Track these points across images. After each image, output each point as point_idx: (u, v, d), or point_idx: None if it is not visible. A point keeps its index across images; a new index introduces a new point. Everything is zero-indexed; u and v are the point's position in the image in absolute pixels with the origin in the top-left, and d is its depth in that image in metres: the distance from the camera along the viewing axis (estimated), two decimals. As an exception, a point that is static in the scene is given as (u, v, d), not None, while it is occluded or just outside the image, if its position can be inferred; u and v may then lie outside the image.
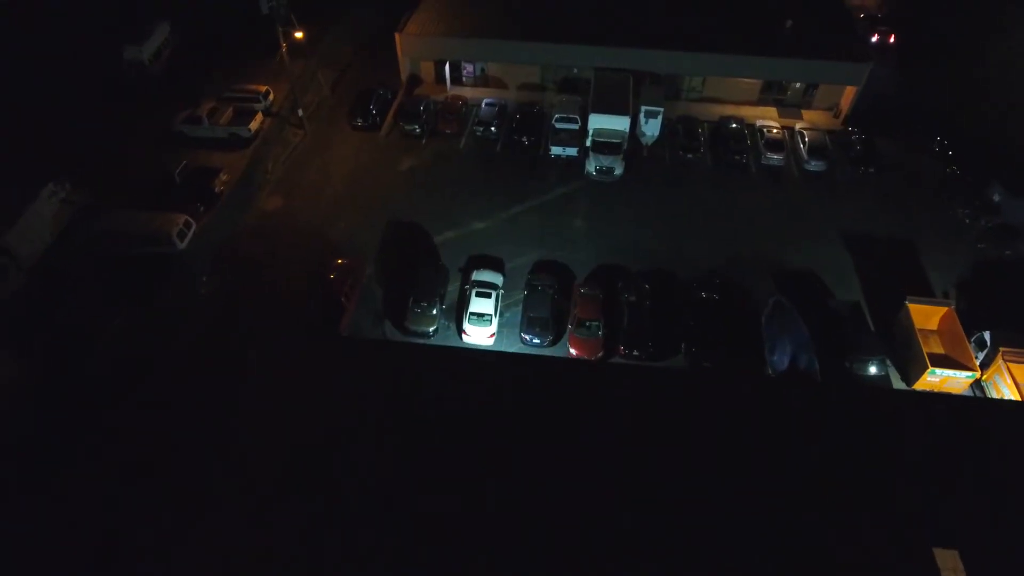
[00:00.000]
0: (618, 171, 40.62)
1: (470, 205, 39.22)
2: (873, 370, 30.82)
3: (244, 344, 24.78)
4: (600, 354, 31.41)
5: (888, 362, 31.55)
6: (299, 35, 39.62)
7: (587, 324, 31.82)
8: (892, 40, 54.18)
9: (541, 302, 32.67)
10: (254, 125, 41.12)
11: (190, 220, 34.75)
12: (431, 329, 31.95)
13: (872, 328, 32.62)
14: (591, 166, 40.73)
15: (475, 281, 33.30)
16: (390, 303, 33.76)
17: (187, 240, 34.26)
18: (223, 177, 37.99)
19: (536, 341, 31.91)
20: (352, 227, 37.61)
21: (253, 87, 43.02)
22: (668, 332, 32.67)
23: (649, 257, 36.48)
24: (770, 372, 30.97)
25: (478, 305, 32.07)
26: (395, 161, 42.29)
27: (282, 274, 34.51)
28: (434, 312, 32.22)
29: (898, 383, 31.24)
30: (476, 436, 22.17)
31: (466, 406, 23.05)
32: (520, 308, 33.48)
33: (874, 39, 53.63)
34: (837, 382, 30.42)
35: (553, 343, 32.24)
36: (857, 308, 33.58)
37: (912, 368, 31.01)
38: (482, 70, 48.25)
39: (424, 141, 43.90)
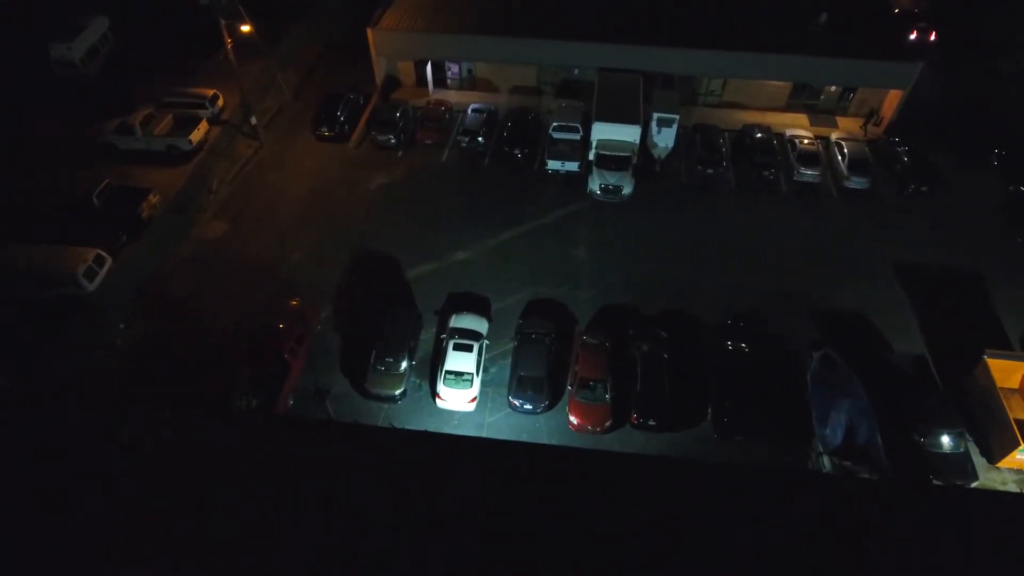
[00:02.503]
0: (626, 190, 34.45)
1: (451, 231, 33.06)
2: (949, 445, 24.58)
3: (118, 428, 18.56)
4: (608, 423, 25.23)
5: (967, 435, 25.34)
6: (246, 28, 33.43)
7: (591, 385, 25.65)
8: (933, 38, 48.08)
9: (535, 356, 26.46)
10: (196, 136, 34.94)
11: (103, 255, 28.49)
12: (397, 392, 25.72)
13: (941, 389, 26.45)
14: (595, 184, 34.58)
15: (454, 329, 27.11)
16: (350, 356, 27.54)
17: (99, 279, 27.99)
18: (152, 199, 31.76)
19: (528, 407, 25.69)
20: (309, 258, 31.41)
21: (198, 91, 36.83)
22: (690, 393, 26.50)
23: (665, 296, 30.28)
24: (820, 450, 24.76)
25: (456, 361, 25.88)
26: (365, 177, 36.12)
27: (218, 319, 28.32)
28: (402, 369, 26.01)
29: (977, 459, 25.05)
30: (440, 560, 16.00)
31: (430, 517, 16.92)
32: (509, 362, 27.35)
33: (912, 36, 47.53)
34: (906, 463, 24.24)
35: (549, 407, 26.04)
36: (922, 363, 27.41)
37: (996, 441, 24.86)
38: (469, 71, 42.11)
39: (400, 153, 37.77)
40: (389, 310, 27.69)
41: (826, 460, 24.60)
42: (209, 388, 25.61)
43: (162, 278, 29.70)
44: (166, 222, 31.10)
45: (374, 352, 26.17)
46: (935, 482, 23.98)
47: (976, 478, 24.02)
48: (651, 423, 25.30)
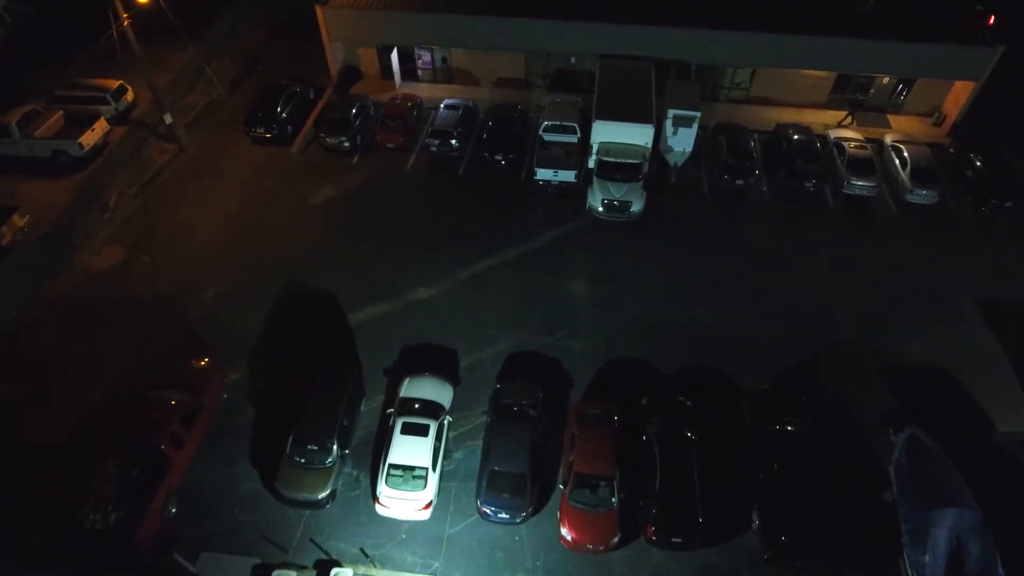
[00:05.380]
0: (636, 206, 27.27)
1: (412, 259, 25.90)
2: (1096, 574, 17.43)
3: None
4: (615, 539, 18.04)
5: (1119, 558, 18.17)
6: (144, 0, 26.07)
7: (592, 483, 18.47)
8: (991, 22, 40.91)
9: (514, 441, 19.24)
10: (89, 138, 27.72)
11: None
12: (321, 495, 18.47)
13: (1072, 483, 19.32)
14: (596, 199, 27.42)
15: (405, 401, 19.93)
16: (265, 436, 20.32)
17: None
18: (18, 220, 24.55)
19: (504, 515, 18.45)
20: (225, 297, 24.22)
21: (97, 82, 29.58)
22: (727, 492, 19.34)
23: (688, 347, 23.10)
24: (918, 585, 17.56)
25: (405, 450, 18.68)
26: (309, 189, 28.93)
27: (87, 388, 21.12)
28: (329, 461, 18.78)
29: None
30: None
31: None
32: (480, 443, 20.22)
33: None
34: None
35: (534, 513, 18.84)
36: (1039, 447, 20.28)
37: None
38: (444, 60, 34.96)
39: (356, 159, 30.60)
40: (317, 376, 20.44)
41: (925, 598, 17.44)
42: (50, 493, 18.40)
43: (25, 326, 22.47)
44: (35, 251, 23.82)
45: (291, 438, 18.94)
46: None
47: None
48: (675, 539, 18.07)
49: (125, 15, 24.78)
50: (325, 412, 19.38)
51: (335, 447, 18.87)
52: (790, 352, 23.04)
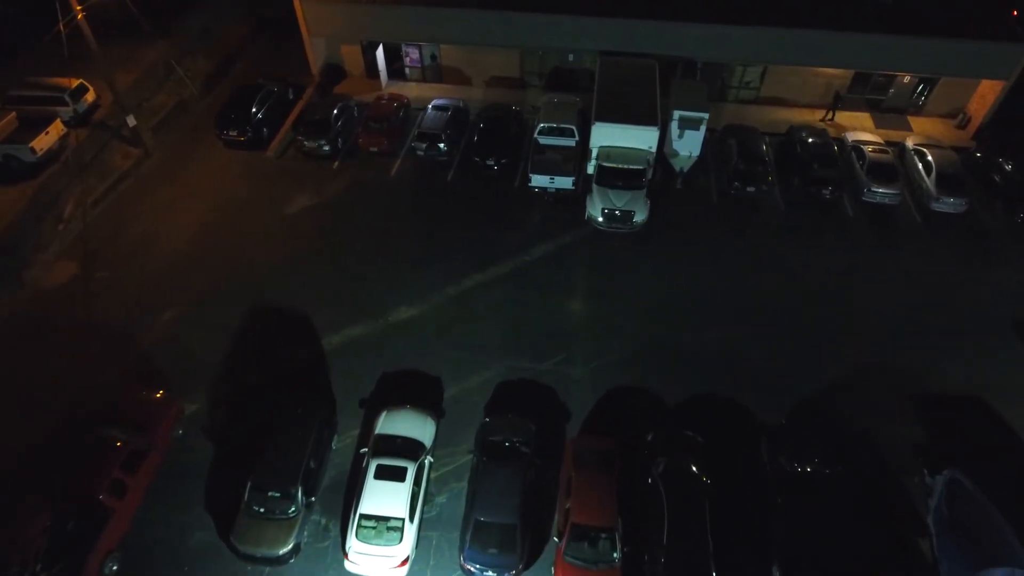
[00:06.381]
0: (639, 216, 25.03)
1: (394, 274, 23.68)
2: None
3: None
4: (616, 603, 15.84)
5: None
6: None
7: (591, 536, 16.24)
8: (1015, 15, 38.73)
9: (503, 485, 17.00)
10: (42, 142, 25.46)
11: None
12: (283, 550, 16.21)
13: None
14: (596, 208, 25.19)
15: (380, 438, 17.70)
16: (223, 479, 18.08)
17: None
18: (-43, 234, 22.37)
19: (491, 573, 16.20)
20: (186, 318, 21.98)
21: (54, 81, 27.32)
22: (741, 540, 17.11)
23: (698, 373, 20.87)
24: (966, 657, 15.33)
25: (378, 498, 16.44)
26: (284, 197, 26.71)
27: (35, 419, 18.89)
28: (292, 510, 16.53)
29: None
30: None
31: None
32: (464, 486, 18.01)
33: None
34: None
35: (523, 572, 16.57)
36: (1097, 490, 18.01)
37: None
38: (433, 58, 32.74)
39: (336, 165, 28.39)
40: (282, 410, 18.18)
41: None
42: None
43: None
44: (-20, 265, 21.66)
45: (249, 484, 16.69)
46: None
47: None
48: (686, 601, 15.86)
49: (79, 7, 22.51)
50: (289, 453, 17.12)
51: (300, 494, 16.62)
52: (810, 378, 20.81)
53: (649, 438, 18.51)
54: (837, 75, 30.67)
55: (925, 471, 18.35)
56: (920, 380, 20.88)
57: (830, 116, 30.93)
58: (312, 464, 17.29)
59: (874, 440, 19.26)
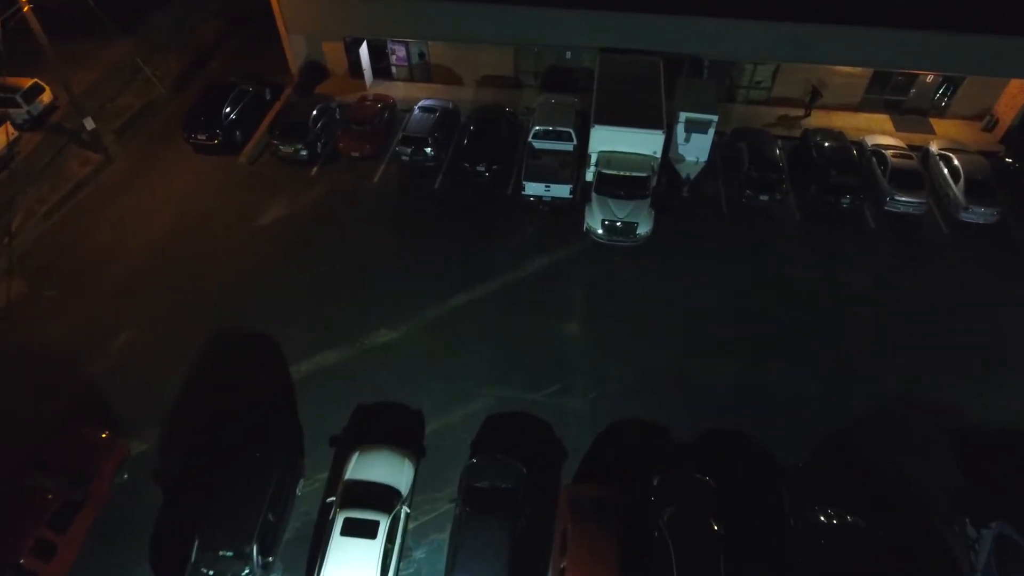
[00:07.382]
0: (643, 228, 22.88)
1: (375, 292, 21.55)
2: None
3: None
4: None
5: None
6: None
7: (589, 600, 14.11)
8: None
9: (489, 537, 14.87)
10: (-13, 148, 23.43)
11: None
12: (234, 621, 14.11)
13: None
14: (595, 219, 23.04)
15: (350, 485, 15.56)
16: (172, 532, 15.92)
17: None
18: None
19: (473, 646, 14.09)
20: (140, 344, 19.83)
21: (8, 81, 25.09)
22: (766, 610, 15.00)
23: (709, 406, 18.72)
24: None
25: (344, 558, 14.28)
26: (257, 207, 24.57)
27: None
28: (246, 572, 14.38)
29: None
30: None
31: None
32: (446, 538, 15.85)
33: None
34: None
35: (514, 639, 14.46)
36: None
37: None
38: (421, 55, 30.62)
39: (315, 171, 26.27)
40: (238, 454, 16.03)
41: None
42: None
43: None
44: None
45: (196, 542, 14.53)
46: None
47: None
48: None
49: (25, 2, 20.39)
50: (244, 505, 14.96)
51: (255, 553, 14.46)
52: (836, 412, 18.66)
53: (654, 482, 16.38)
54: (855, 74, 28.56)
55: (967, 521, 16.22)
56: (957, 413, 18.73)
57: (806, 114, 28.99)
58: (271, 517, 15.12)
59: (907, 482, 17.12)
